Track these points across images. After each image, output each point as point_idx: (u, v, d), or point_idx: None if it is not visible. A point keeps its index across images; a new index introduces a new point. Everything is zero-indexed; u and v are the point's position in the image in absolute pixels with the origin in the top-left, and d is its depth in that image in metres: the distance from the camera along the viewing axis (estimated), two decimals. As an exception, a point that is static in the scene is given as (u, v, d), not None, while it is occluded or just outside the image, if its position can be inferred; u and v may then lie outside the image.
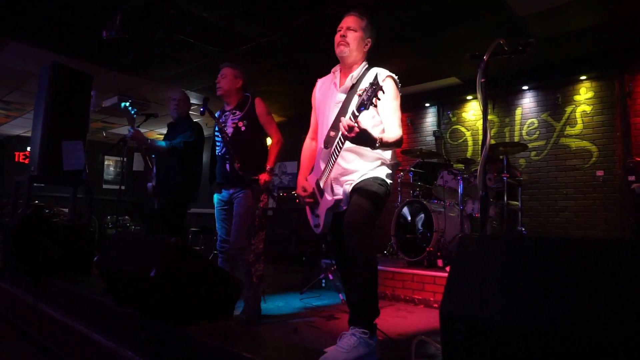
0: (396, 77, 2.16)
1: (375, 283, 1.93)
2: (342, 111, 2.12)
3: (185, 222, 4.02)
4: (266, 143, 3.06)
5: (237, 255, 2.88)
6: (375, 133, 1.92)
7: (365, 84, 2.02)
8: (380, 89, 1.74)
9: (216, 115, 3.09)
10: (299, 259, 5.42)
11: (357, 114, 1.79)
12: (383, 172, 2.10)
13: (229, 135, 2.94)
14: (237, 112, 3.00)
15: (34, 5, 4.23)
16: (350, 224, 1.91)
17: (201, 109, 2.92)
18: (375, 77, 1.78)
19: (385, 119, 2.08)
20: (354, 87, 2.13)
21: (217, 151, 3.04)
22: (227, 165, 2.91)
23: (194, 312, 2.18)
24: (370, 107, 1.82)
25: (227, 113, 3.05)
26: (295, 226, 5.93)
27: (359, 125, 1.78)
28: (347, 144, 2.02)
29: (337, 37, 2.17)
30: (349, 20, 2.18)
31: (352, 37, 2.15)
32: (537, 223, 5.35)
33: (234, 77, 3.00)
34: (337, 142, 2.01)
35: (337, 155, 2.04)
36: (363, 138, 1.82)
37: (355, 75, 2.15)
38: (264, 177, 2.85)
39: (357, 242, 1.89)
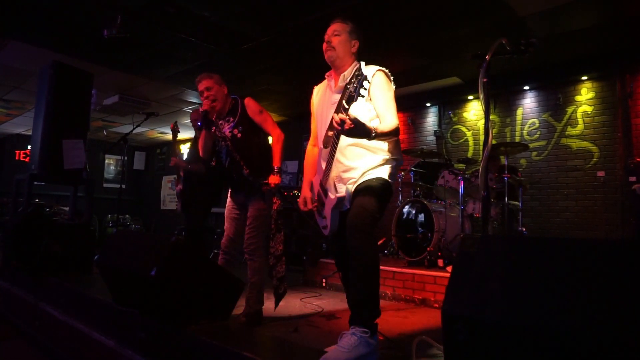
0: (387, 71, 2.18)
1: (377, 283, 1.94)
2: (338, 110, 2.14)
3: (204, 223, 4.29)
4: (268, 142, 3.00)
5: (249, 256, 2.87)
6: (372, 125, 1.96)
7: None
8: (365, 78, 1.80)
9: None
10: (299, 258, 5.42)
11: (346, 106, 1.84)
12: (385, 171, 2.10)
13: (229, 145, 2.90)
14: (231, 119, 2.93)
15: (34, 4, 4.22)
16: (353, 225, 1.93)
17: (199, 124, 2.84)
18: (359, 69, 1.84)
19: (379, 110, 2.10)
20: (347, 86, 2.15)
21: (221, 162, 2.98)
22: (235, 175, 2.90)
23: (194, 311, 2.18)
24: (363, 100, 1.92)
25: (221, 122, 2.97)
26: (296, 225, 5.92)
27: (350, 117, 1.81)
28: (348, 140, 2.07)
29: (324, 45, 2.23)
30: (333, 27, 2.24)
31: (337, 41, 2.20)
32: (538, 223, 5.34)
33: (219, 86, 2.91)
34: (334, 140, 2.05)
35: (335, 153, 2.08)
36: (357, 130, 1.86)
37: (347, 75, 2.17)
38: (273, 179, 2.81)
39: (360, 243, 1.90)
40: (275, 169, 2.84)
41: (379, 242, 5.16)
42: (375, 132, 1.93)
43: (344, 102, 1.85)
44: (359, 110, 2.08)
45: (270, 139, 3.01)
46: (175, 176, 4.25)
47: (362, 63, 1.96)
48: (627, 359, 0.96)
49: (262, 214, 2.88)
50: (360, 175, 2.09)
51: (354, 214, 1.96)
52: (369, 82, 1.82)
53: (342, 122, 1.80)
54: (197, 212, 4.03)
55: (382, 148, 2.12)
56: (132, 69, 5.97)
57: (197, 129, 2.85)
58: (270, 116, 2.97)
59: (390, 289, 3.99)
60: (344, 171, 2.13)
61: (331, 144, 2.08)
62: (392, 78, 2.19)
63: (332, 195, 2.11)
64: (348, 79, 2.13)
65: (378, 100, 2.10)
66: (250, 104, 2.91)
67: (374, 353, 1.84)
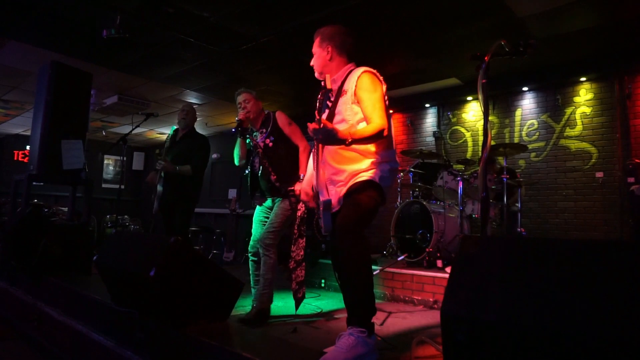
0: (374, 71, 2.18)
1: (370, 283, 1.93)
2: (330, 114, 2.20)
3: (189, 224, 4.36)
4: (296, 152, 3.20)
5: (262, 252, 3.02)
6: (349, 131, 1.98)
7: (349, 84, 2.13)
8: (329, 91, 1.94)
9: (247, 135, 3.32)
10: (298, 259, 5.41)
11: (317, 117, 1.89)
12: (376, 174, 2.09)
13: (260, 153, 3.16)
14: (264, 130, 3.21)
15: (33, 3, 4.22)
16: (341, 226, 1.93)
17: (232, 130, 3.11)
18: (325, 81, 1.95)
19: (365, 112, 2.09)
20: (339, 90, 2.19)
21: (254, 169, 3.23)
22: (265, 181, 3.12)
23: (193, 311, 2.18)
24: (350, 102, 2.08)
25: (256, 133, 3.27)
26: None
27: (323, 125, 1.86)
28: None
29: None
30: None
31: (314, 60, 2.31)
32: (537, 224, 5.34)
33: (255, 100, 3.23)
34: (317, 145, 2.13)
35: (319, 157, 2.15)
36: (329, 138, 1.91)
37: (337, 79, 2.23)
38: (299, 186, 2.96)
39: (348, 244, 1.90)
40: (301, 177, 3.00)
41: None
42: (352, 138, 1.94)
43: (316, 113, 1.93)
44: (347, 113, 2.12)
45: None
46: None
47: (328, 76, 2.01)
48: (626, 359, 0.97)
49: (285, 214, 3.07)
50: (349, 178, 2.10)
51: (342, 216, 1.98)
52: (332, 95, 1.93)
53: (316, 131, 1.87)
54: (175, 212, 4.11)
55: (370, 151, 2.11)
56: (131, 69, 5.97)
57: (232, 135, 3.17)
58: (299, 128, 3.21)
59: (389, 290, 3.99)
60: (334, 174, 2.15)
61: (318, 149, 2.15)
62: (381, 78, 2.18)
63: (322, 198, 2.15)
64: (340, 82, 2.20)
65: (364, 102, 2.09)
66: (280, 117, 3.21)
67: (373, 353, 1.84)
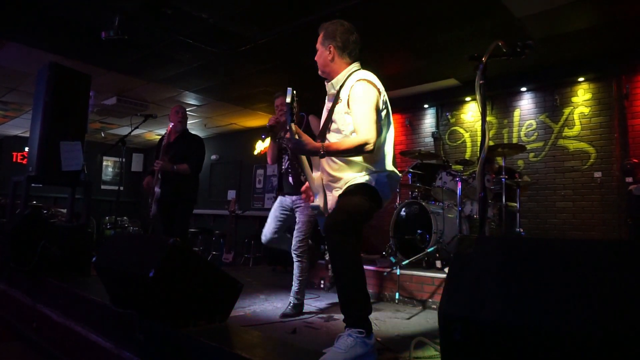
0: (371, 79, 2.10)
1: (361, 281, 1.92)
2: (328, 118, 2.21)
3: (188, 225, 4.50)
4: None
5: (298, 258, 3.23)
6: (323, 142, 2.03)
7: (344, 92, 2.11)
8: (292, 104, 1.95)
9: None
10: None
11: (286, 128, 1.94)
12: (371, 180, 2.09)
13: (290, 153, 3.25)
14: None
15: (32, 5, 4.22)
16: (327, 226, 1.92)
17: (262, 135, 3.26)
18: (290, 94, 1.97)
19: (354, 124, 2.06)
20: (338, 93, 2.19)
21: (282, 166, 3.37)
22: (290, 178, 3.23)
23: (193, 312, 2.18)
24: (343, 111, 2.07)
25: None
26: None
27: (297, 134, 1.91)
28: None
29: None
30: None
31: (317, 58, 2.26)
32: (535, 224, 5.35)
33: None
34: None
35: (299, 161, 2.20)
36: (299, 148, 1.96)
37: (336, 83, 2.22)
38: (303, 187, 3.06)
39: (335, 244, 1.89)
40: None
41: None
42: (325, 150, 1.96)
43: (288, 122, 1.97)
44: (341, 123, 2.12)
45: None
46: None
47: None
48: (623, 358, 0.97)
49: (311, 220, 3.23)
50: (343, 184, 2.12)
51: (330, 216, 1.98)
52: (295, 108, 1.96)
53: (285, 139, 1.90)
54: (174, 213, 4.17)
55: (359, 161, 2.10)
56: (130, 71, 5.97)
57: (262, 139, 3.42)
58: None
59: (388, 290, 3.99)
60: (331, 180, 2.17)
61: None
62: (378, 86, 2.12)
63: (312, 201, 2.19)
64: (338, 85, 2.18)
65: (353, 114, 2.06)
66: (313, 121, 3.30)
67: (372, 354, 1.84)
